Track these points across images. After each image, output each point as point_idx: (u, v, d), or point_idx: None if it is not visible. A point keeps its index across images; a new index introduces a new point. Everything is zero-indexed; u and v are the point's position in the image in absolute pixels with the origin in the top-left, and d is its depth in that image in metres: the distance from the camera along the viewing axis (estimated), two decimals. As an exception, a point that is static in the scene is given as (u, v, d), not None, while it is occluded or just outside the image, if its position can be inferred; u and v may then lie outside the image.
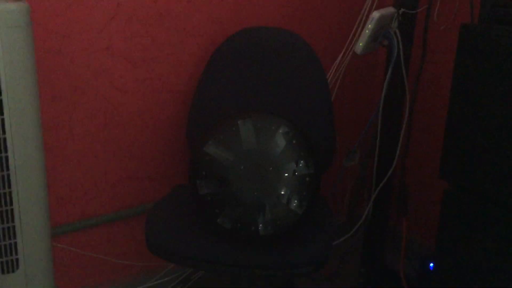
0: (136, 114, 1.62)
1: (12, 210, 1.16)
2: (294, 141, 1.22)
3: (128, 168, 1.65)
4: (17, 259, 1.19)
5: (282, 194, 1.21)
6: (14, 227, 1.17)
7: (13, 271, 1.19)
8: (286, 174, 1.22)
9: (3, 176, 1.13)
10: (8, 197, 1.14)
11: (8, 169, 1.13)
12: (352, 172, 2.08)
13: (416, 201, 1.98)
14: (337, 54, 1.78)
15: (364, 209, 1.89)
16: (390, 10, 1.63)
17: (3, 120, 1.10)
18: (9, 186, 1.14)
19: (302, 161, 1.21)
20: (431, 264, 1.71)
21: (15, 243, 1.18)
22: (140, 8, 1.54)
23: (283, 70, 1.57)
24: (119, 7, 1.50)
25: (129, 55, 1.56)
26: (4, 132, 1.11)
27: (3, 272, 1.19)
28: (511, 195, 1.10)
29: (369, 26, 1.59)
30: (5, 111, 1.09)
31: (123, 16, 1.52)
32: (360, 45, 1.64)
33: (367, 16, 1.65)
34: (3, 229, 1.16)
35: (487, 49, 1.10)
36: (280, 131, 1.22)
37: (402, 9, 1.63)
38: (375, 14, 1.56)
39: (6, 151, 1.12)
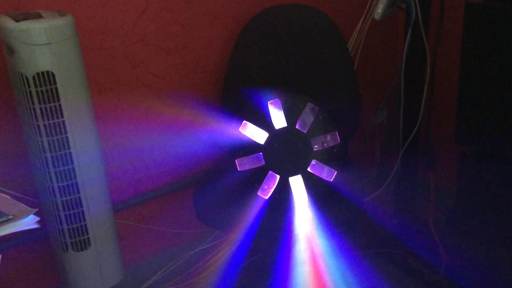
0: (174, 96, 1.75)
1: (79, 197, 1.34)
2: (320, 117, 1.34)
3: (171, 146, 1.80)
4: (88, 238, 1.38)
5: (313, 165, 1.34)
6: (83, 211, 1.35)
7: (86, 249, 1.39)
8: (316, 146, 1.35)
9: (68, 170, 1.30)
10: (75, 187, 1.32)
11: (72, 163, 1.30)
12: (381, 128, 2.18)
13: (443, 153, 2.07)
14: (357, 22, 1.84)
15: (394, 164, 2.00)
16: (405, -25, 1.68)
17: (64, 122, 1.26)
18: (75, 177, 1.32)
19: (329, 135, 1.33)
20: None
21: (85, 225, 1.37)
22: (168, -2, 1.64)
23: (306, 44, 1.66)
24: (149, 0, 1.61)
25: (162, 43, 1.68)
26: (66, 131, 1.27)
27: (77, 250, 1.38)
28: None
29: (386, -8, 1.65)
30: (65, 114, 1.25)
31: (153, 7, 1.63)
32: (378, 11, 1.71)
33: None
34: (74, 214, 1.34)
35: (492, 25, 1.17)
36: (307, 108, 1.34)
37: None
38: (391, -19, 1.62)
39: (69, 147, 1.28)
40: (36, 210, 0.77)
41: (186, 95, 1.77)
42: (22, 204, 0.78)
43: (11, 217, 0.73)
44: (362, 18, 1.82)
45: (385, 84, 2.10)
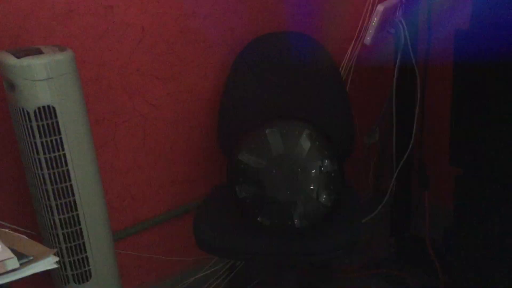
0: (170, 125, 1.78)
1: (80, 229, 1.34)
2: (317, 142, 1.36)
3: (168, 174, 1.82)
4: (89, 270, 1.38)
5: (312, 189, 1.36)
6: (84, 243, 1.35)
7: (87, 280, 1.39)
8: (314, 171, 1.37)
9: (69, 202, 1.31)
10: (76, 219, 1.33)
11: (73, 195, 1.31)
12: (374, 150, 2.21)
13: (437, 173, 2.10)
14: (348, 46, 1.89)
15: (388, 184, 2.03)
16: (393, 1, 1.74)
17: (64, 155, 1.27)
18: (76, 209, 1.32)
19: (326, 160, 1.35)
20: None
21: (86, 257, 1.37)
22: (162, 28, 1.67)
23: (299, 70, 1.70)
24: (144, 31, 1.64)
25: (158, 73, 1.71)
26: (66, 164, 1.28)
27: (79, 282, 1.38)
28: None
29: (375, 19, 1.70)
30: (65, 147, 1.26)
31: (148, 38, 1.66)
32: (368, 37, 1.76)
33: (372, 9, 1.76)
34: (75, 246, 1.34)
35: (482, 50, 1.22)
36: (304, 134, 1.36)
37: (405, -1, 1.74)
38: (379, 8, 1.68)
39: (70, 180, 1.29)
40: (55, 250, 0.78)
41: (182, 123, 1.80)
42: (40, 244, 0.79)
43: (31, 258, 0.73)
44: (352, 42, 1.87)
45: (377, 106, 2.15)
